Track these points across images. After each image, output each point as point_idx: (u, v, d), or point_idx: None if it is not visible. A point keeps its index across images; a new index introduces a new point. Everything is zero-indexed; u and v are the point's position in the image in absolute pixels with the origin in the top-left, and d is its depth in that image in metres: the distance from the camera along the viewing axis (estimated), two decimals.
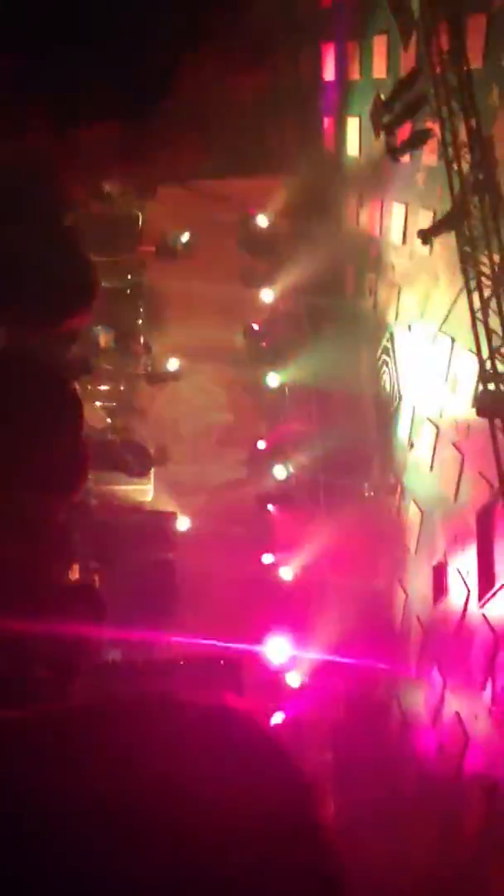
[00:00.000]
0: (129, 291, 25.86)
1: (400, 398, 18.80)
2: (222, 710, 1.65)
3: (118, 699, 1.72)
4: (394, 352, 19.08)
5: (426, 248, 16.69)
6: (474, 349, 14.08)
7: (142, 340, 25.26)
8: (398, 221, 18.69)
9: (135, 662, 22.03)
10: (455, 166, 14.47)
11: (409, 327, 18.24)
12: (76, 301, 16.12)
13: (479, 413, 13.83)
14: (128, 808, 1.45)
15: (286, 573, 22.20)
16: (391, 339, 19.19)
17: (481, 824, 13.54)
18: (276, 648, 21.59)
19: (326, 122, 22.18)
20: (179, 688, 21.06)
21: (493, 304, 13.89)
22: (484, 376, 13.70)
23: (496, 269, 13.96)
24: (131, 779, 1.48)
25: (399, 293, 18.75)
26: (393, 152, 16.91)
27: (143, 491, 23.98)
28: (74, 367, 21.15)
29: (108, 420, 24.67)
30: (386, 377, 19.29)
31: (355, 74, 20.09)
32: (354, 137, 20.67)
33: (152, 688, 20.96)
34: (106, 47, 14.42)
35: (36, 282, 13.83)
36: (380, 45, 18.81)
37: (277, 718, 20.92)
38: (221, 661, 22.07)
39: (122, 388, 24.89)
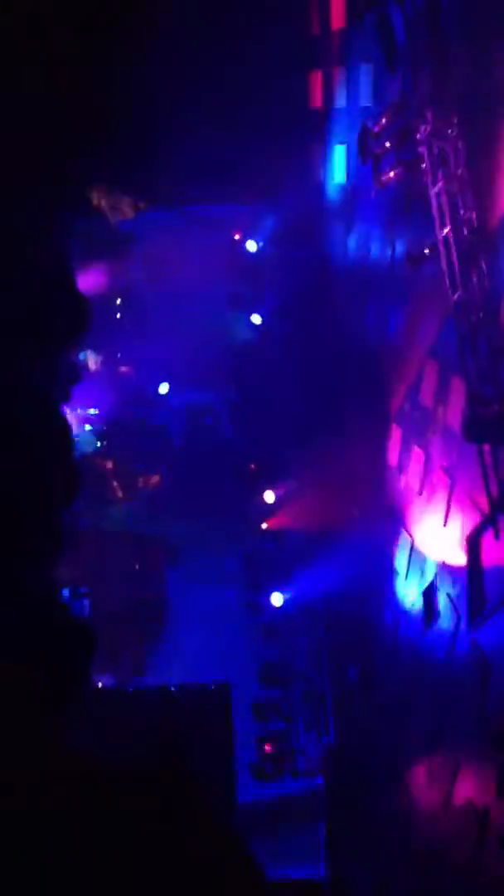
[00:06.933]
0: (118, 315, 25.95)
1: (389, 422, 18.84)
2: None
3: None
4: (382, 375, 19.13)
5: (414, 274, 16.78)
6: (463, 373, 14.13)
7: (131, 364, 25.31)
8: (385, 248, 18.82)
9: (125, 688, 21.94)
10: (441, 193, 14.60)
11: (396, 352, 18.32)
12: (69, 334, 16.23)
13: (467, 438, 13.85)
14: None
15: (277, 599, 22.16)
16: (379, 361, 19.26)
17: (472, 850, 13.44)
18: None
19: (314, 149, 22.37)
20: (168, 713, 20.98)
21: (481, 328, 13.97)
22: (472, 401, 13.74)
23: (483, 294, 14.06)
24: None
25: (386, 318, 18.83)
26: (379, 179, 17.02)
27: (133, 515, 23.94)
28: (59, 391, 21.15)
29: (98, 444, 24.67)
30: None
31: (342, 102, 20.30)
32: (341, 165, 20.85)
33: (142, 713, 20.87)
34: None
35: (32, 315, 13.92)
36: (366, 73, 19.02)
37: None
38: (211, 687, 21.98)
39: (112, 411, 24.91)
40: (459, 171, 14.69)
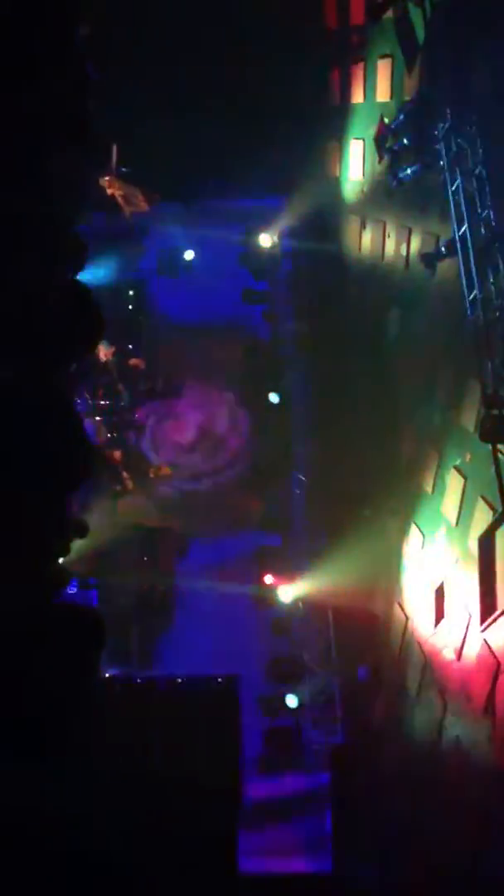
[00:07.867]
0: (130, 307, 25.93)
1: (402, 421, 18.82)
2: None
3: None
4: (396, 374, 19.11)
5: (430, 273, 16.74)
6: (478, 373, 14.10)
7: (142, 356, 25.28)
8: (401, 246, 18.75)
9: (133, 680, 21.97)
10: (459, 192, 14.55)
11: (411, 351, 18.29)
12: (85, 344, 16.21)
13: (482, 437, 13.84)
14: None
15: (285, 594, 22.18)
16: (393, 360, 19.25)
17: (477, 849, 13.48)
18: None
19: (330, 144, 22.30)
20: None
21: (498, 328, 13.94)
22: (487, 401, 13.71)
23: (500, 294, 14.01)
24: None
25: (401, 317, 18.80)
26: (396, 176, 16.96)
27: (143, 506, 23.94)
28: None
29: (109, 435, 24.65)
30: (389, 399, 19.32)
31: (359, 98, 20.22)
32: (358, 160, 20.78)
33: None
34: None
35: (46, 326, 13.87)
36: (384, 68, 18.94)
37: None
38: (219, 679, 22.01)
39: (122, 403, 24.89)
40: (477, 170, 14.64)
